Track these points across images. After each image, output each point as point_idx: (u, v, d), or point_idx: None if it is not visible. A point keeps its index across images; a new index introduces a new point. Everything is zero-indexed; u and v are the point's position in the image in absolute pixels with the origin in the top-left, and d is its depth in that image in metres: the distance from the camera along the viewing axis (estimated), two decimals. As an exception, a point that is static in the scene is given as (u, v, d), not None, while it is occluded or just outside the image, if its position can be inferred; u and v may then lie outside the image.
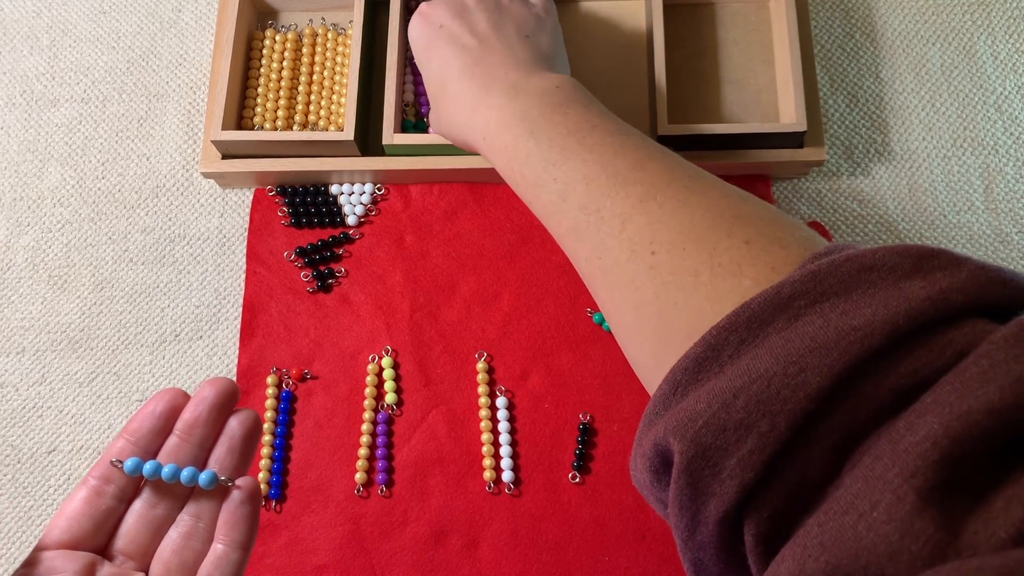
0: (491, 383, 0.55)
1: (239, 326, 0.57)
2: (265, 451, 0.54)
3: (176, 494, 0.35)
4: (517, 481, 0.53)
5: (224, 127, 0.56)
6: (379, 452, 0.54)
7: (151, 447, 0.35)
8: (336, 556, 0.52)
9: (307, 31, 0.61)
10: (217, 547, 0.35)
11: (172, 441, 0.35)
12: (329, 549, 0.52)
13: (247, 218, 0.59)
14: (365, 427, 0.54)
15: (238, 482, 0.35)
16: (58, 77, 0.63)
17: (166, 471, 0.34)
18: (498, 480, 0.53)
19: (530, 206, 0.44)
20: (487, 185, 0.59)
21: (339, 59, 0.60)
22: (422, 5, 0.53)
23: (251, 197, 0.59)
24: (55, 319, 0.58)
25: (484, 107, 0.46)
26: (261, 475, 0.53)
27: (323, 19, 0.62)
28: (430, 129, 0.56)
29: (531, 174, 0.42)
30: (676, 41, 0.59)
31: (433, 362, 0.56)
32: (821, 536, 0.25)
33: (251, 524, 0.35)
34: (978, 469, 0.23)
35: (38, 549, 0.33)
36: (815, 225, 0.58)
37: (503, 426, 0.54)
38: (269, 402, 0.55)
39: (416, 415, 0.55)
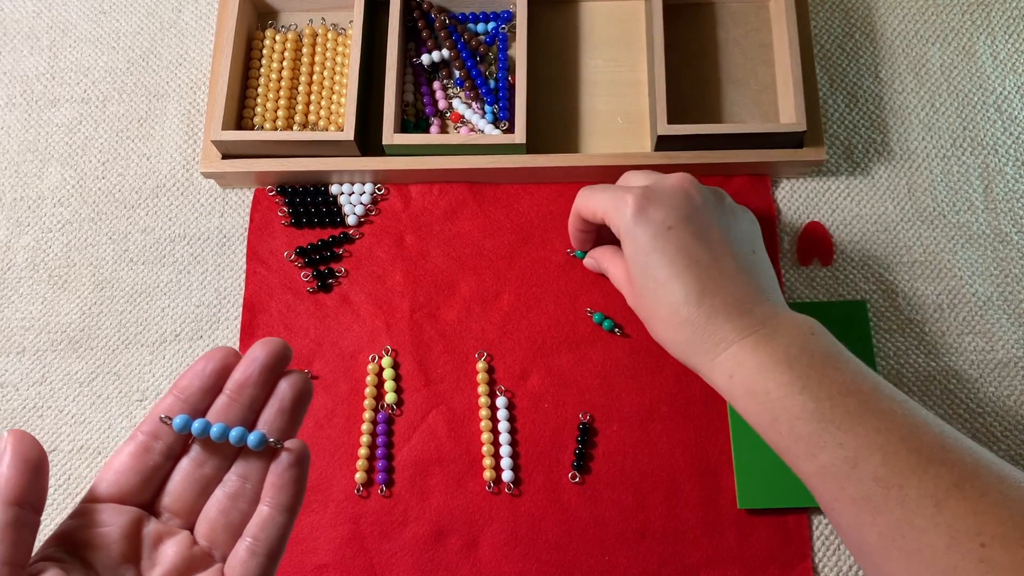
0: (491, 383, 0.55)
1: (239, 326, 0.57)
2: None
3: (224, 454, 0.35)
4: (517, 481, 0.53)
5: (224, 127, 0.56)
6: (379, 452, 0.54)
7: (200, 405, 0.35)
8: (336, 556, 0.52)
9: (307, 31, 0.61)
10: (263, 509, 0.34)
11: (221, 400, 0.35)
12: (329, 549, 0.52)
13: (247, 218, 0.59)
14: (365, 427, 0.54)
15: (287, 444, 0.34)
16: (58, 77, 0.63)
17: (214, 430, 0.34)
18: (498, 480, 0.53)
19: (790, 458, 0.41)
20: (487, 185, 0.59)
21: (339, 59, 0.60)
22: (637, 194, 0.46)
23: (251, 197, 0.59)
24: (55, 319, 0.58)
25: (731, 344, 0.42)
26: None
27: (323, 19, 0.62)
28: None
29: (805, 432, 0.39)
30: (676, 41, 0.59)
31: (433, 362, 0.56)
32: None
33: (298, 488, 0.34)
34: None
35: (86, 501, 0.33)
36: (815, 225, 0.58)
37: (503, 426, 0.54)
38: (269, 402, 0.55)
39: (416, 415, 0.55)
